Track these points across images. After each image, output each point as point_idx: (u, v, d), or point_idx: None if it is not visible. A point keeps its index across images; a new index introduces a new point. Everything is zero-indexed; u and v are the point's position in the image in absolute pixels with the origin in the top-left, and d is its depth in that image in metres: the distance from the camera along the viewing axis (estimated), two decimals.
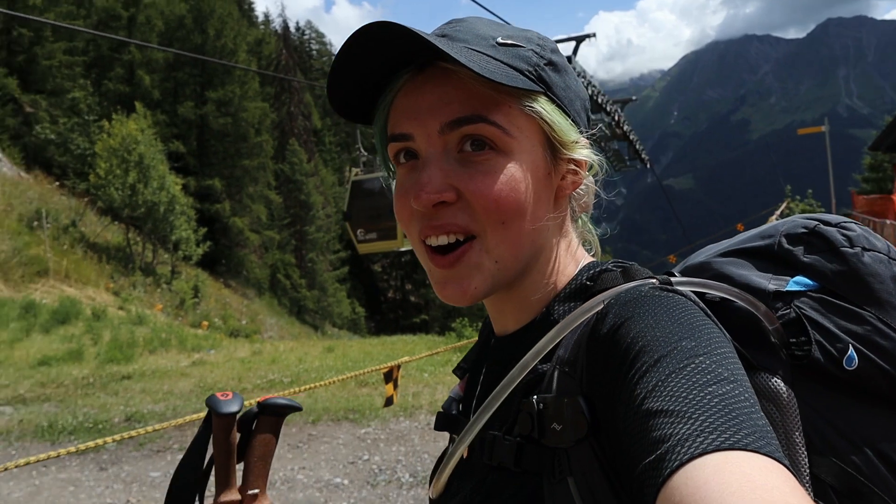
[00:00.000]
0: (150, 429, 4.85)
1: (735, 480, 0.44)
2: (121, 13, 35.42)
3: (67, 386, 9.20)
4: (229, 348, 13.63)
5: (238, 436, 0.87)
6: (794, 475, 0.47)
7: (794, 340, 0.74)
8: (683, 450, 0.48)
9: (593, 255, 0.85)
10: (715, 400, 0.52)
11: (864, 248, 0.78)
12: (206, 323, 18.98)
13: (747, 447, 0.47)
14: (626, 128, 30.02)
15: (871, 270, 0.77)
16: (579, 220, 0.85)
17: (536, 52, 0.74)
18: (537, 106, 0.71)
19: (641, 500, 0.50)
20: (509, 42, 0.73)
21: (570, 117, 0.75)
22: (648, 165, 34.79)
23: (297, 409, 0.92)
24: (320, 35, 69.75)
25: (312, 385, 5.27)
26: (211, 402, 0.85)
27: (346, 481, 5.45)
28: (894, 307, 0.76)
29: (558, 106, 0.74)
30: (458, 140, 0.71)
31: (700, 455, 0.47)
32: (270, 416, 0.89)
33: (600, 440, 0.62)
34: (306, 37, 66.99)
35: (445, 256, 0.72)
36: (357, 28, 0.67)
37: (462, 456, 0.80)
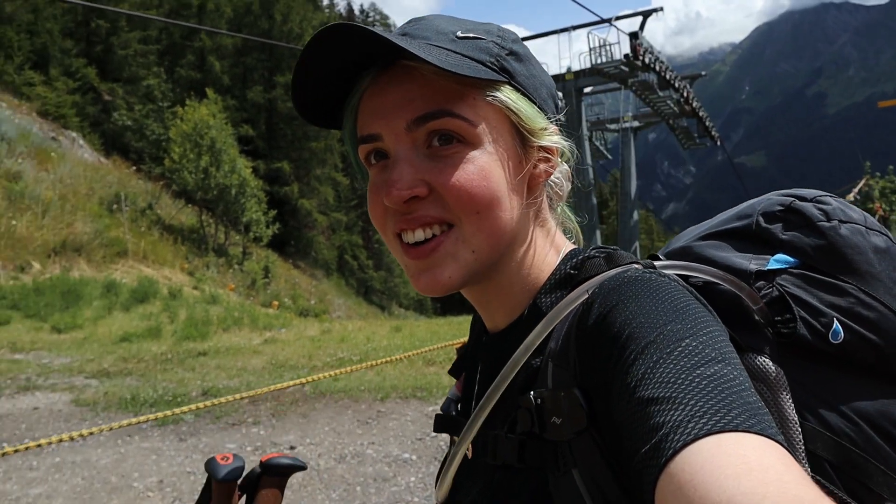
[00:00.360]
0: (223, 399, 5.03)
1: (730, 462, 0.45)
2: (191, 1, 36.25)
3: (147, 361, 9.58)
4: (299, 327, 13.93)
5: (242, 498, 0.86)
6: (789, 450, 0.47)
7: (778, 318, 0.74)
8: (677, 437, 0.48)
9: (574, 243, 0.85)
10: (704, 382, 0.52)
11: (840, 221, 0.78)
12: (276, 302, 19.43)
13: (738, 427, 0.48)
14: (695, 104, 29.23)
15: (849, 242, 0.77)
16: (558, 208, 0.85)
17: (497, 43, 0.74)
18: (501, 95, 0.72)
19: (641, 490, 0.51)
20: (469, 35, 0.73)
21: (536, 105, 0.75)
22: (718, 143, 33.88)
23: (302, 468, 0.90)
24: (384, 17, 70.08)
25: (381, 361, 5.35)
26: (210, 468, 0.84)
27: (413, 457, 5.53)
28: (875, 277, 0.76)
29: (523, 94, 0.74)
30: (425, 136, 0.71)
31: (693, 440, 0.47)
32: (274, 477, 0.87)
33: (600, 430, 0.62)
34: (370, 19, 67.32)
35: (420, 248, 0.72)
36: (317, 31, 0.67)
37: (467, 457, 0.80)
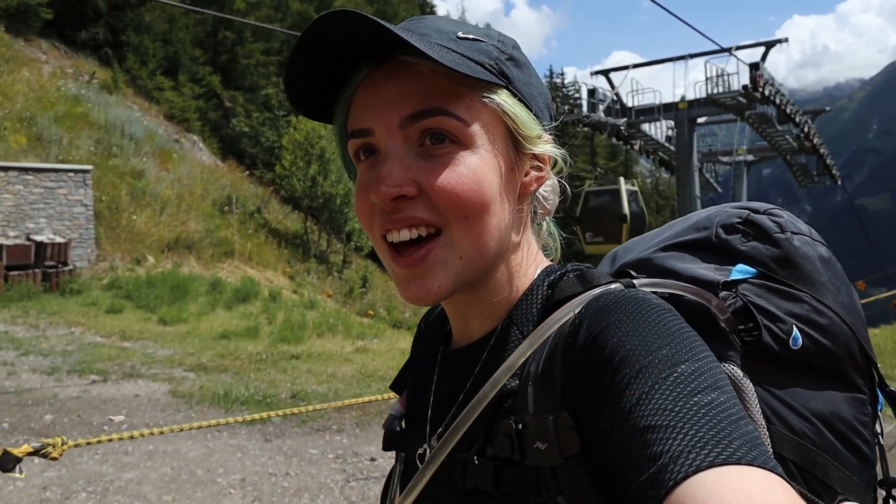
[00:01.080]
0: (311, 408, 5.08)
1: (734, 498, 0.45)
2: (312, 15, 37.65)
3: (243, 360, 9.88)
4: (391, 338, 14.07)
5: None
6: (791, 484, 0.47)
7: (742, 327, 0.76)
8: (677, 467, 0.48)
9: (552, 260, 0.84)
10: (703, 410, 0.52)
11: (792, 233, 0.82)
12: (371, 312, 19.73)
13: (741, 460, 0.48)
14: (816, 140, 27.88)
15: (801, 252, 0.81)
16: (545, 223, 0.84)
17: (497, 47, 0.73)
18: (498, 98, 0.70)
19: None
20: (470, 36, 0.72)
21: (532, 112, 0.74)
22: (839, 182, 32.20)
23: None
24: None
25: None
26: None
27: None
28: (823, 285, 0.80)
29: (520, 100, 0.73)
30: (418, 134, 0.69)
31: (696, 472, 0.47)
32: None
33: (589, 455, 0.61)
34: None
35: (409, 256, 0.70)
36: (316, 17, 0.65)
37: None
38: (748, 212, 0.84)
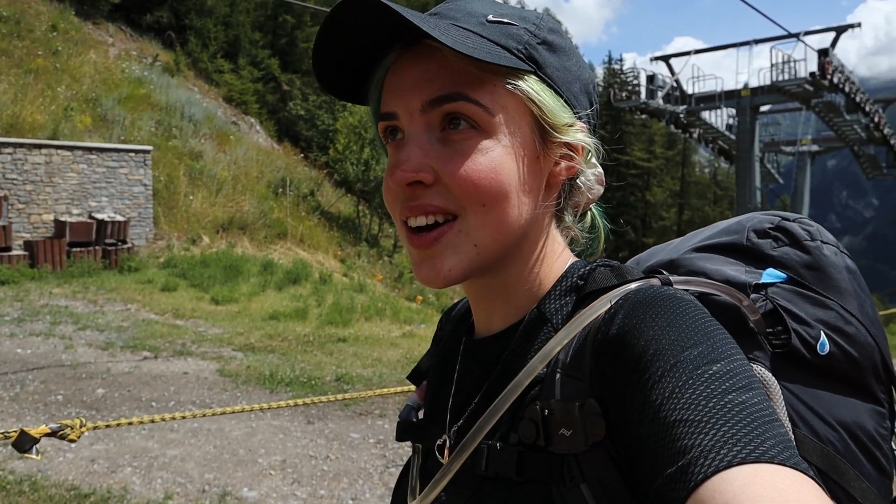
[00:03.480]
0: (356, 395, 5.09)
1: (767, 494, 0.45)
2: None
3: (290, 341, 10.00)
4: None
5: None
6: (822, 486, 0.47)
7: (770, 330, 0.76)
8: (708, 461, 0.48)
9: (594, 253, 0.85)
10: (737, 409, 0.52)
11: (822, 241, 0.83)
12: (420, 297, 19.78)
13: (774, 459, 0.48)
14: (886, 131, 26.88)
15: (830, 261, 0.82)
16: (588, 213, 0.83)
17: (529, 31, 0.71)
18: (524, 85, 0.69)
19: None
20: (501, 20, 0.71)
21: (563, 98, 0.72)
22: None
23: None
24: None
25: None
26: None
27: None
28: (850, 294, 0.81)
29: (550, 86, 0.71)
30: (440, 119, 0.69)
31: (727, 467, 0.47)
32: None
33: (615, 443, 0.60)
34: None
35: (423, 236, 0.70)
36: (338, 3, 0.65)
37: (428, 465, 0.80)
38: (780, 218, 0.86)
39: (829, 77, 22.05)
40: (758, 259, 0.83)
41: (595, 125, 0.78)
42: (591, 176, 0.79)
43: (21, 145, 14.53)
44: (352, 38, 0.69)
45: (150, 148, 16.73)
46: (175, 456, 5.21)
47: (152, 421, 2.31)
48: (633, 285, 0.69)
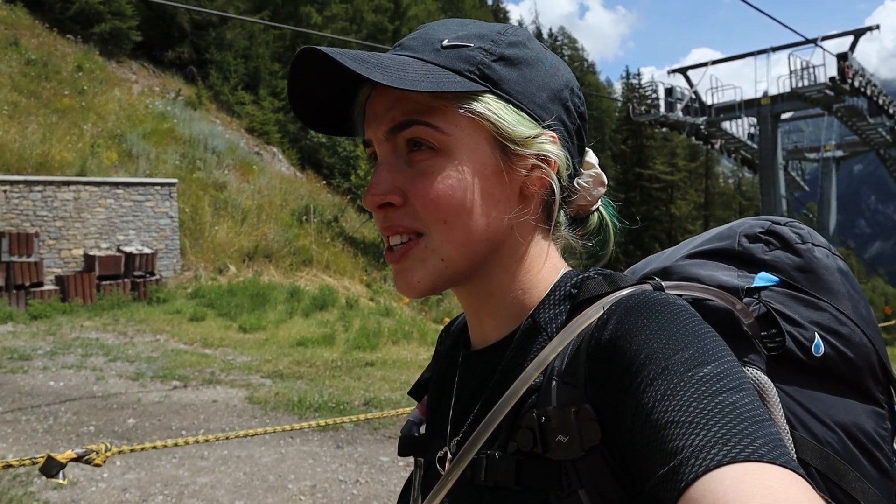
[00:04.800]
0: (382, 414, 5.09)
1: (756, 492, 0.45)
2: (387, 26, 38.19)
3: (318, 367, 10.03)
4: None
5: None
6: (812, 484, 0.48)
7: (764, 333, 0.76)
8: (699, 461, 0.49)
9: (602, 255, 0.86)
10: (727, 409, 0.53)
11: (813, 244, 0.84)
12: (447, 319, 19.76)
13: (763, 458, 0.48)
14: None
15: (822, 263, 0.83)
16: (594, 216, 0.85)
17: (485, 49, 0.73)
18: (478, 106, 0.71)
19: None
20: (455, 44, 0.73)
21: (526, 111, 0.73)
22: None
23: None
24: (573, 41, 70.27)
25: None
26: None
27: None
28: (844, 296, 0.81)
29: (508, 101, 0.73)
30: (404, 143, 0.73)
31: (717, 467, 0.48)
32: None
33: (610, 448, 0.61)
34: (559, 42, 67.72)
35: (394, 252, 0.75)
36: (295, 56, 0.71)
37: (429, 477, 0.80)
38: (770, 223, 0.87)
39: (849, 81, 21.82)
40: (750, 263, 0.84)
41: (575, 129, 0.79)
42: (589, 178, 0.81)
43: (50, 183, 14.84)
44: (322, 85, 0.75)
45: (175, 181, 16.99)
46: (205, 483, 5.23)
47: (176, 444, 2.33)
48: (625, 291, 0.70)
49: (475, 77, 0.72)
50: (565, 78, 0.78)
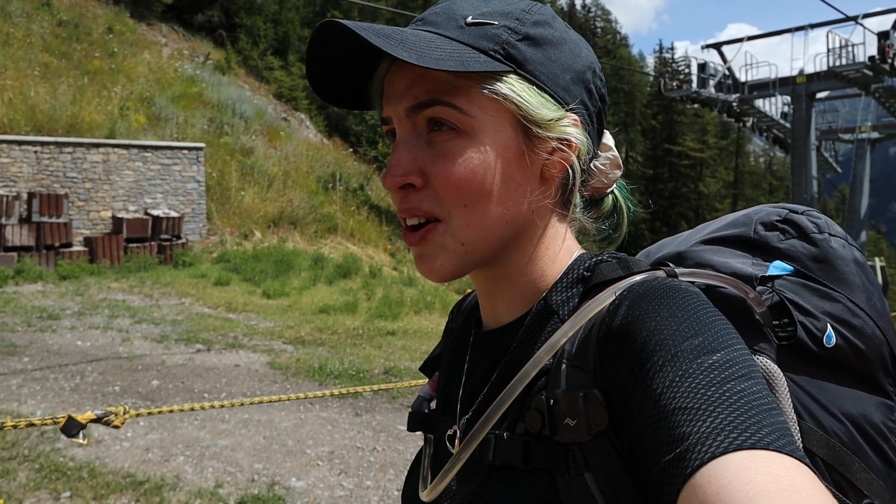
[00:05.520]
0: (401, 384, 5.13)
1: (761, 480, 0.45)
2: None
3: (340, 334, 10.13)
4: None
5: None
6: (817, 474, 0.48)
7: (776, 322, 0.76)
8: (705, 448, 0.49)
9: (616, 237, 0.86)
10: (735, 397, 0.53)
11: (830, 234, 0.83)
12: (469, 290, 19.74)
13: (769, 446, 0.48)
14: None
15: (838, 254, 0.81)
16: (609, 198, 0.84)
17: (510, 28, 0.71)
18: (502, 87, 0.69)
19: (661, 498, 0.51)
20: (479, 21, 0.71)
21: (549, 93, 0.72)
22: None
23: None
24: (606, 13, 69.17)
25: None
26: None
27: None
28: (858, 287, 0.81)
29: (532, 83, 0.71)
30: (425, 122, 0.71)
31: (723, 454, 0.48)
32: None
33: (618, 432, 0.61)
34: (592, 14, 66.68)
35: (413, 234, 0.74)
36: (315, 28, 0.69)
37: (438, 455, 0.81)
38: (787, 211, 0.86)
39: (889, 61, 21.25)
40: (765, 251, 0.83)
41: (596, 112, 0.77)
42: (606, 160, 0.80)
43: (80, 145, 15.01)
44: (340, 58, 0.73)
45: (202, 145, 17.10)
46: (226, 446, 5.33)
47: (192, 409, 2.38)
48: (638, 277, 0.70)
49: (500, 57, 0.70)
50: (588, 59, 0.76)
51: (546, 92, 0.72)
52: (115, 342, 8.54)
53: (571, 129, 0.73)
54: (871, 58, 21.54)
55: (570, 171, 0.75)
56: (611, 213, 0.85)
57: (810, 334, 0.76)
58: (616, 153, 0.81)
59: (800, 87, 23.89)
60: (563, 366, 0.68)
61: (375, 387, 5.35)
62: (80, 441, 1.87)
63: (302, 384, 7.21)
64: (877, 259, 19.52)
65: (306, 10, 32.91)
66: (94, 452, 5.00)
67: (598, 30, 65.39)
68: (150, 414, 2.38)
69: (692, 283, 0.72)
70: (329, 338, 9.82)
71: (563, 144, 0.73)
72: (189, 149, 16.67)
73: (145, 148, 16.01)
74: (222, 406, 2.43)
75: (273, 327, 10.21)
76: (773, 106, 27.23)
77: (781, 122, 27.01)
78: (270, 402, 3.66)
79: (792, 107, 25.43)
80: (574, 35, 0.77)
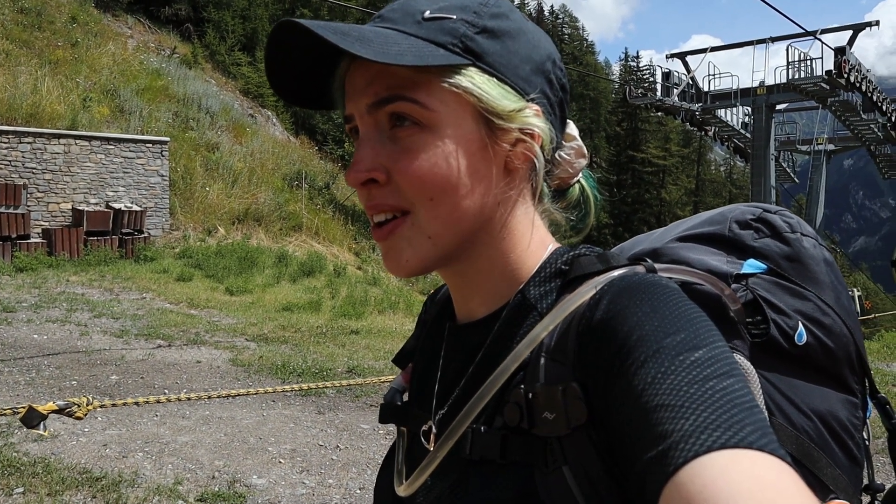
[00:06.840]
0: (364, 381, 5.14)
1: (744, 479, 0.45)
2: None
3: (303, 332, 10.08)
4: None
5: None
6: (798, 473, 0.48)
7: (750, 320, 0.78)
8: (688, 446, 0.48)
9: (582, 228, 0.86)
10: (717, 395, 0.52)
11: (802, 234, 0.86)
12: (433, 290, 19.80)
13: (752, 445, 0.48)
14: None
15: (810, 253, 0.85)
16: (576, 186, 0.84)
17: (467, 21, 0.71)
18: (462, 80, 0.69)
19: (642, 497, 0.50)
20: (437, 15, 0.71)
21: (509, 84, 0.72)
22: None
23: None
24: (573, 19, 69.72)
25: None
26: None
27: None
28: (828, 286, 0.84)
29: (492, 75, 0.71)
30: (387, 118, 0.71)
31: (706, 452, 0.47)
32: None
33: (596, 427, 0.61)
34: (559, 20, 67.14)
35: (380, 229, 0.74)
36: (273, 29, 0.69)
37: (413, 450, 0.80)
38: (762, 210, 0.88)
39: (845, 75, 21.80)
40: (739, 249, 0.85)
41: (558, 101, 0.77)
42: (571, 150, 0.79)
43: (41, 135, 14.70)
44: (300, 58, 0.73)
45: (167, 139, 16.87)
46: (186, 442, 5.28)
47: (158, 401, 2.37)
48: (617, 272, 0.69)
49: (458, 50, 0.69)
50: (547, 49, 0.76)
51: (506, 83, 0.71)
52: (73, 336, 8.40)
53: (533, 119, 0.73)
54: (829, 72, 22.08)
55: (534, 161, 0.74)
56: (577, 202, 0.85)
57: (782, 332, 0.78)
58: (580, 143, 0.81)
59: (760, 99, 24.40)
60: (542, 359, 0.67)
61: (338, 383, 5.37)
62: (42, 432, 1.86)
63: (264, 381, 7.17)
64: (854, 289, 20.06)
65: (275, 6, 32.63)
66: (50, 448, 4.92)
67: (566, 36, 65.88)
68: (113, 405, 2.37)
69: (669, 278, 0.72)
70: (292, 336, 9.77)
71: (525, 135, 0.73)
72: (153, 142, 16.44)
73: (108, 140, 15.74)
74: (188, 399, 2.43)
75: (236, 324, 10.13)
76: (735, 116, 27.76)
77: (742, 131, 27.55)
78: (232, 396, 3.66)
79: (752, 117, 25.95)
80: (532, 26, 0.77)
